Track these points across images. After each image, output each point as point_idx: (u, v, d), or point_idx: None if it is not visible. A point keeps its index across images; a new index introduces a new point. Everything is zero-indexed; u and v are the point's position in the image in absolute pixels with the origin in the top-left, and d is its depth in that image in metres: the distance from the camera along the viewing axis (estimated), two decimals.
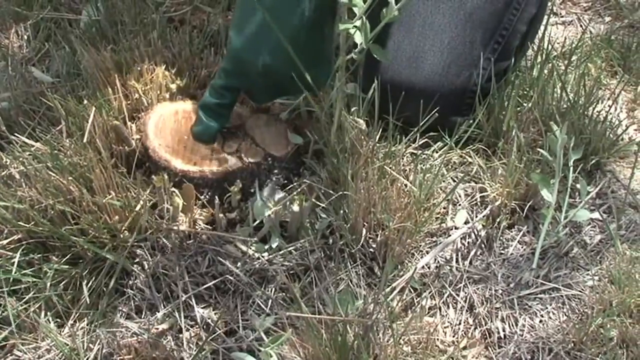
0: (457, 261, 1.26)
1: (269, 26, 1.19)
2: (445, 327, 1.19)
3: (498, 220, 1.31)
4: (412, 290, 1.23)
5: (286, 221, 1.25)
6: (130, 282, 1.21)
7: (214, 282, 1.21)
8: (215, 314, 1.18)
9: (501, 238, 1.30)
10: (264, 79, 1.24)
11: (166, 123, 1.31)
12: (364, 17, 1.13)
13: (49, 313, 1.19)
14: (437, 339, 1.17)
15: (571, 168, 1.30)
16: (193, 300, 1.19)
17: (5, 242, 1.21)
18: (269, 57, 1.21)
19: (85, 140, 1.25)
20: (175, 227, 1.22)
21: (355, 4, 1.12)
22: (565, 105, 1.42)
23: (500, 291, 1.22)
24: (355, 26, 1.14)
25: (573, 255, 1.28)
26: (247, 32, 1.22)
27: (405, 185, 1.27)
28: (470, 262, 1.26)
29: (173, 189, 1.22)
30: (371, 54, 1.18)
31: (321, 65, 1.25)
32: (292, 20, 1.19)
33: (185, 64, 1.42)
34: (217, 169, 1.25)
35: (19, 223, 1.20)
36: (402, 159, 1.34)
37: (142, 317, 1.18)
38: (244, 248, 1.23)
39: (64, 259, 1.20)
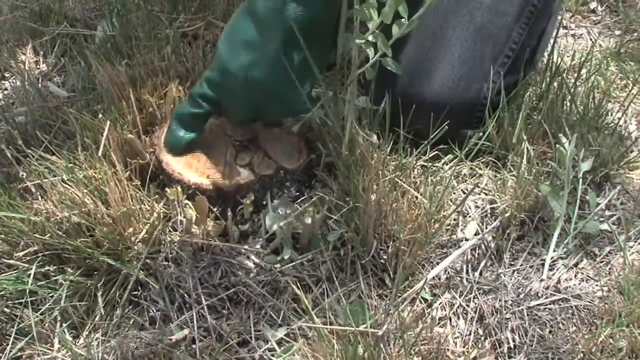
0: (467, 272, 1.27)
1: (258, 38, 1.20)
2: (455, 338, 1.20)
3: (508, 231, 1.31)
4: (422, 301, 1.23)
5: (298, 233, 1.26)
6: (145, 294, 1.22)
7: (226, 293, 1.22)
8: (228, 324, 1.19)
9: (511, 249, 1.30)
10: (244, 92, 1.24)
11: None
12: (377, 31, 1.14)
13: (64, 324, 1.20)
14: (448, 350, 1.17)
15: (580, 180, 1.30)
16: (206, 311, 1.20)
17: (21, 254, 1.22)
18: (253, 69, 1.21)
19: (100, 154, 1.27)
20: (189, 239, 1.24)
21: (368, 19, 1.13)
22: (574, 118, 1.43)
23: (510, 302, 1.22)
24: (368, 40, 1.15)
25: (582, 266, 1.28)
26: (236, 43, 1.23)
27: (416, 197, 1.28)
28: (481, 273, 1.27)
29: (186, 201, 1.24)
30: (382, 67, 1.19)
31: (302, 85, 1.24)
32: (280, 35, 1.20)
33: (199, 79, 1.43)
34: (230, 181, 1.27)
35: (35, 235, 1.21)
36: (413, 171, 1.34)
37: (156, 327, 1.19)
38: (256, 259, 1.24)
39: (79, 271, 1.21)
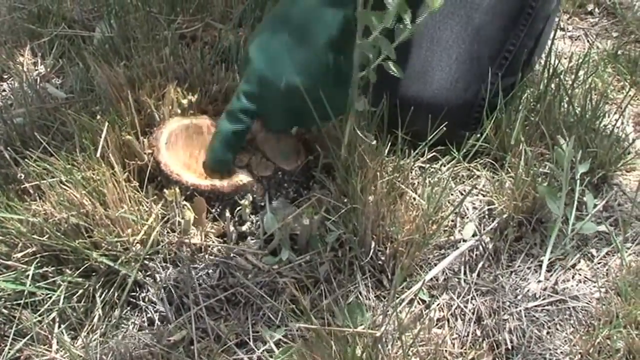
0: (465, 273, 1.27)
1: (295, 45, 1.20)
2: (453, 339, 1.20)
3: (505, 232, 1.31)
4: (420, 302, 1.24)
5: (296, 234, 1.26)
6: (143, 295, 1.22)
7: (224, 294, 1.22)
8: (226, 325, 1.19)
9: (509, 250, 1.31)
10: (285, 101, 1.22)
11: (178, 138, 1.32)
12: (379, 35, 1.14)
13: (62, 325, 1.20)
14: (446, 350, 1.17)
15: (578, 181, 1.31)
16: (204, 312, 1.20)
17: (19, 255, 1.22)
18: (294, 76, 1.20)
19: (98, 155, 1.27)
20: (187, 240, 1.24)
21: (370, 22, 1.13)
22: (572, 120, 1.43)
23: (507, 303, 1.22)
24: (370, 44, 1.15)
25: (580, 268, 1.28)
26: (271, 52, 1.22)
27: (414, 199, 1.28)
28: (478, 274, 1.27)
29: (184, 202, 1.24)
30: (379, 69, 1.19)
31: (343, 87, 1.23)
32: (319, 39, 1.19)
33: (197, 80, 1.44)
34: (228, 182, 1.27)
35: (33, 236, 1.21)
36: (411, 172, 1.35)
37: (154, 328, 1.19)
38: (254, 261, 1.24)
39: (78, 272, 1.21)
